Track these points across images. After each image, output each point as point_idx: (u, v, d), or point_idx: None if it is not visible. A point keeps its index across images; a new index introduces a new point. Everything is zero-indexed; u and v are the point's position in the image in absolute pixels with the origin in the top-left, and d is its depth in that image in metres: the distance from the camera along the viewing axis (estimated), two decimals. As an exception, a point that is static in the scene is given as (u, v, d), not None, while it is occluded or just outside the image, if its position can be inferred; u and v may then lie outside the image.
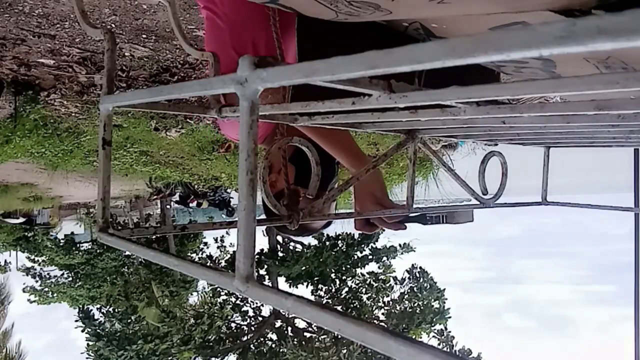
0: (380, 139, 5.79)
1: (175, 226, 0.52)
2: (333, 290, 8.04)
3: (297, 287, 7.93)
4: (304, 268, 7.85)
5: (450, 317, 7.48)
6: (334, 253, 7.78)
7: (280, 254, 8.01)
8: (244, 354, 7.53)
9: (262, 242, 7.87)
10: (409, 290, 7.87)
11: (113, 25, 3.28)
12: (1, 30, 3.27)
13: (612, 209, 0.86)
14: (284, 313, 7.53)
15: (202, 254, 10.45)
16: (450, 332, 7.34)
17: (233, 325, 8.06)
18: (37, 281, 10.34)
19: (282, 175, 0.80)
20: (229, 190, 9.41)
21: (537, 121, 0.46)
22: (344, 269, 7.99)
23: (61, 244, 10.18)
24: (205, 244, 10.88)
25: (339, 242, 7.94)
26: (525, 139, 0.69)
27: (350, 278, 8.09)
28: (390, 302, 7.84)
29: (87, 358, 7.71)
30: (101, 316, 8.42)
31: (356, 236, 7.99)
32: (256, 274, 0.25)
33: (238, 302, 8.03)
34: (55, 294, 10.14)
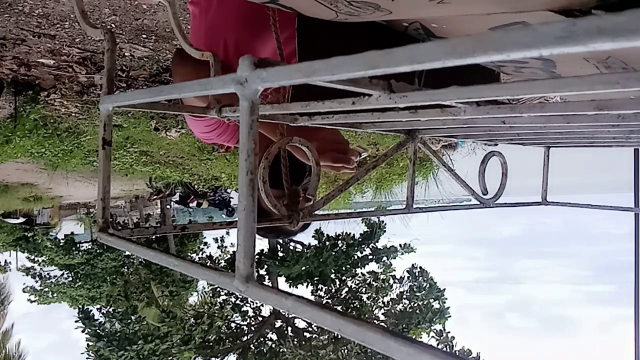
0: (380, 139, 5.79)
1: (175, 226, 0.52)
2: (333, 290, 8.04)
3: (297, 287, 7.92)
4: (304, 268, 7.85)
5: (450, 317, 7.48)
6: (334, 253, 7.78)
7: (280, 254, 8.01)
8: (244, 354, 7.53)
9: (262, 242, 7.88)
10: (408, 290, 7.87)
11: (113, 25, 3.28)
12: (1, 30, 3.27)
13: (612, 209, 0.86)
14: (284, 313, 7.53)
15: (202, 254, 10.45)
16: (449, 332, 7.34)
17: (233, 325, 8.06)
18: (37, 281, 10.34)
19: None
20: (229, 190, 9.41)
21: (537, 121, 0.46)
22: (344, 269, 7.99)
23: (61, 244, 10.18)
24: (205, 244, 10.89)
25: (339, 242, 7.94)
26: (525, 139, 0.69)
27: (350, 278, 8.08)
28: (390, 302, 7.84)
29: (87, 358, 7.71)
30: (101, 316, 8.42)
31: (356, 236, 7.99)
32: (256, 274, 0.25)
33: (238, 302, 8.03)
34: (55, 294, 10.14)
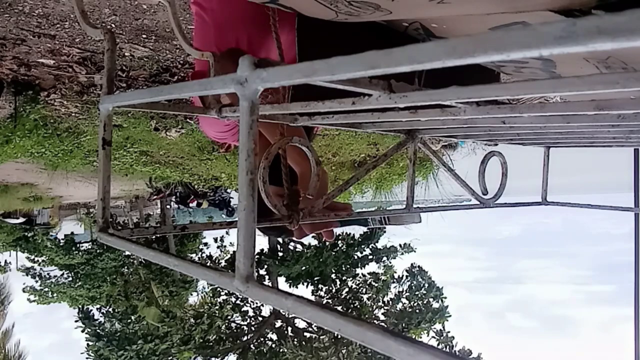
0: (380, 139, 5.79)
1: (175, 226, 0.52)
2: (333, 290, 8.04)
3: (297, 287, 7.92)
4: (304, 268, 7.84)
5: (450, 316, 7.48)
6: (334, 253, 7.77)
7: (280, 254, 8.01)
8: (244, 354, 7.52)
9: (262, 242, 7.87)
10: (407, 290, 7.87)
11: (113, 25, 3.28)
12: (1, 30, 3.27)
13: (612, 209, 0.86)
14: (284, 313, 7.53)
15: (202, 254, 10.45)
16: (449, 332, 7.33)
17: (233, 325, 8.06)
18: (37, 281, 10.34)
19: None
20: (229, 190, 9.41)
21: (537, 121, 0.46)
22: (344, 269, 7.99)
23: (61, 244, 10.19)
24: (205, 244, 10.90)
25: (339, 242, 7.93)
26: (525, 139, 0.69)
27: (351, 278, 8.08)
28: (390, 302, 7.84)
29: (87, 358, 7.71)
30: (101, 316, 8.42)
31: (356, 236, 7.99)
32: (256, 274, 0.25)
33: (238, 302, 8.03)
34: (55, 294, 10.14)
